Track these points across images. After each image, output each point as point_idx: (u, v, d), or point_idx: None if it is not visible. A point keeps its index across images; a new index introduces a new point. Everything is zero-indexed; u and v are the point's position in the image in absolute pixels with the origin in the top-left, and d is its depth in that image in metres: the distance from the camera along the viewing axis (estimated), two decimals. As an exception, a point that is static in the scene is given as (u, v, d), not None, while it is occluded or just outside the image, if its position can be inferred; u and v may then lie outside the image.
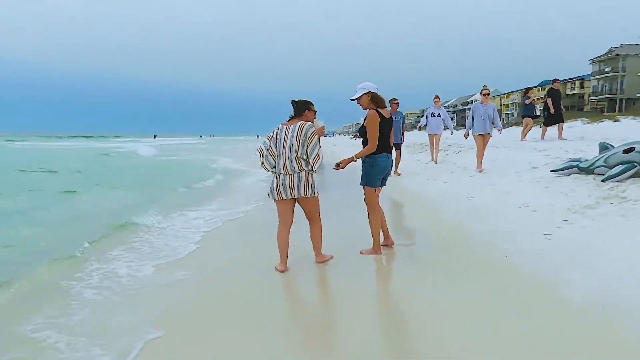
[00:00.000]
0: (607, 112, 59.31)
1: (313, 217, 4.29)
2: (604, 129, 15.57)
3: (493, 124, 9.19)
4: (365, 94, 4.29)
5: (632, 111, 54.35)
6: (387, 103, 4.62)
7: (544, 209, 5.60)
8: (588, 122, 48.74)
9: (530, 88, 13.83)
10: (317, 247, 4.41)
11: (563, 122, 12.92)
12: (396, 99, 10.42)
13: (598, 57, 65.19)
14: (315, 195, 4.19)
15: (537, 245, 4.42)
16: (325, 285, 4.13)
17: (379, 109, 4.30)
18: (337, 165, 4.36)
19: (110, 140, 78.87)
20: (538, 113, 13.27)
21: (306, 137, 4.06)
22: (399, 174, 10.57)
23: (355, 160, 4.36)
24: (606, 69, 62.68)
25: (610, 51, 63.10)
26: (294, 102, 4.24)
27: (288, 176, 4.07)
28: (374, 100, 4.31)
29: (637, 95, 57.53)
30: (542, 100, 13.06)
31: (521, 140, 13.15)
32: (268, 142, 4.19)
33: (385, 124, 4.34)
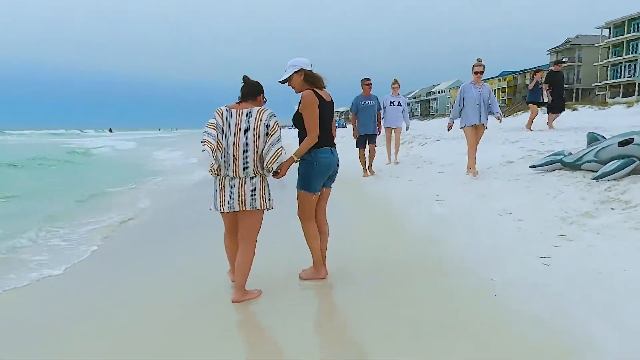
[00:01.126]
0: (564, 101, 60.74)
1: (249, 236, 3.21)
2: (565, 118, 14.80)
3: (489, 111, 6.88)
4: (296, 72, 3.30)
5: (588, 100, 56.03)
6: (325, 83, 3.45)
7: (530, 217, 4.49)
8: (548, 112, 49.15)
9: (539, 70, 11.81)
10: (242, 278, 3.21)
11: (564, 110, 11.53)
12: (369, 80, 8.55)
13: (555, 47, 66.57)
14: (269, 207, 3.23)
15: (534, 275, 3.25)
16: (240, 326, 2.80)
17: (316, 89, 3.31)
18: (276, 174, 3.20)
19: (69, 135, 74.16)
20: (545, 99, 11.50)
21: (268, 128, 3.06)
22: (374, 173, 8.88)
23: (297, 160, 3.31)
24: (563, 59, 64.01)
25: (566, 42, 64.55)
26: (247, 80, 3.22)
27: (238, 181, 3.08)
28: (308, 79, 3.32)
29: (593, 84, 59.13)
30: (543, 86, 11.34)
31: (527, 130, 11.28)
32: (214, 132, 3.06)
33: (326, 109, 3.34)
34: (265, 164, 3.03)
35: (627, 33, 53.68)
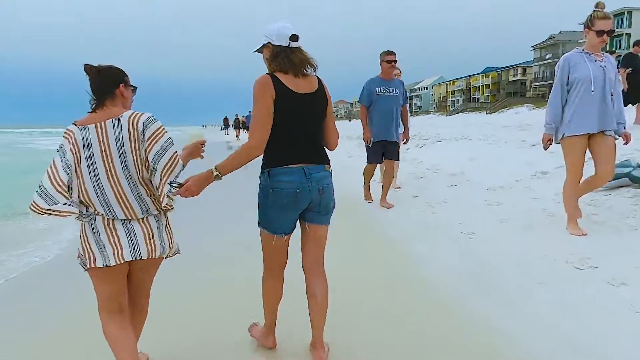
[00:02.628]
0: (547, 98, 60.26)
1: (143, 295, 2.12)
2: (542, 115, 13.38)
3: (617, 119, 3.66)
4: (264, 45, 2.16)
5: (572, 97, 55.53)
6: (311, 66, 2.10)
7: (620, 275, 2.83)
8: (534, 108, 48.86)
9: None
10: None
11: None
12: (392, 55, 5.27)
13: (539, 43, 66.18)
14: (178, 251, 2.13)
15: None
16: None
17: (279, 74, 2.07)
18: (179, 187, 1.92)
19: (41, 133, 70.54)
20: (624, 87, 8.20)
21: (145, 138, 1.86)
22: (390, 207, 5.45)
23: (220, 178, 1.99)
24: (547, 56, 63.64)
25: (550, 38, 64.18)
26: (91, 69, 1.92)
27: (138, 224, 1.91)
28: (276, 58, 2.10)
29: (577, 81, 58.71)
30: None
31: (635, 123, 8.34)
32: (57, 167, 1.81)
33: (298, 105, 2.06)
34: (157, 184, 1.88)
35: (611, 29, 53.32)
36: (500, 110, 54.32)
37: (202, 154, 2.18)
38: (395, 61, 5.30)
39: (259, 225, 2.13)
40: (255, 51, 2.18)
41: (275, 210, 2.04)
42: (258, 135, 1.95)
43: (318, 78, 2.13)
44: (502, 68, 78.38)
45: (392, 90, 5.34)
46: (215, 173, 1.94)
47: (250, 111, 17.91)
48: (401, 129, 5.68)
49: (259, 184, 2.08)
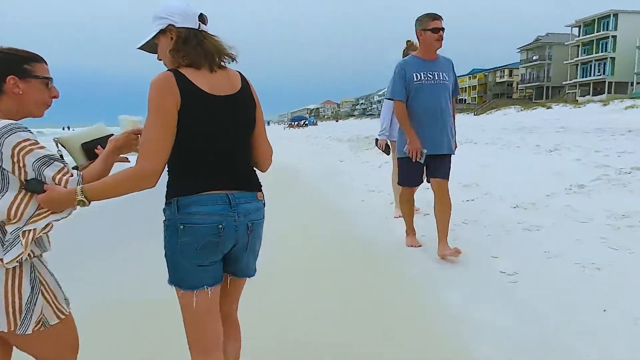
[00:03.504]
0: (535, 99, 60.38)
1: None
2: (539, 116, 12.62)
3: None
4: (162, 32, 1.50)
5: (559, 98, 55.71)
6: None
7: None
8: (522, 109, 48.67)
9: None
10: None
11: None
12: (439, 20, 3.45)
13: (526, 45, 66.23)
14: (35, 327, 1.39)
15: None
16: None
17: (186, 70, 1.46)
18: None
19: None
20: None
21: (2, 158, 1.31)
22: (455, 255, 3.36)
23: (87, 204, 1.38)
24: (534, 57, 63.73)
25: (537, 40, 64.28)
26: None
27: None
28: (183, 45, 1.47)
29: (563, 82, 58.88)
30: None
31: None
32: None
33: (214, 110, 1.48)
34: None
35: (597, 32, 53.49)
36: (488, 112, 54.15)
37: (137, 147, 1.55)
38: (443, 29, 3.42)
39: (170, 281, 1.51)
40: (142, 46, 1.55)
41: (190, 255, 1.45)
42: (154, 159, 1.39)
43: (240, 74, 1.58)
44: (489, 69, 78.44)
45: (439, 75, 3.45)
46: (80, 197, 1.37)
47: None
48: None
49: (164, 221, 1.49)
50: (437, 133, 3.46)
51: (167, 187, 1.49)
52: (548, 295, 2.70)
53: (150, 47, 1.55)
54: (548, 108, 46.17)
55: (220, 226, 1.43)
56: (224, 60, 1.52)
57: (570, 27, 58.40)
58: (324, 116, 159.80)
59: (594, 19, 54.17)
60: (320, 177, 8.20)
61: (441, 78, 3.47)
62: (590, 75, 54.62)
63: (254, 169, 1.63)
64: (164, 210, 1.49)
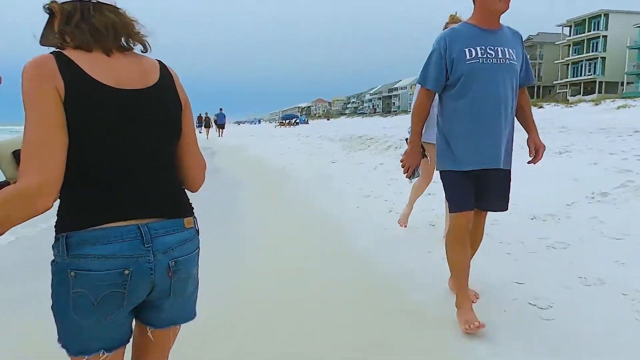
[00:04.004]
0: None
1: None
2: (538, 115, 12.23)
3: None
4: (50, 16, 1.13)
5: (550, 98, 55.73)
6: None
7: None
8: (514, 109, 48.30)
9: None
10: None
11: None
12: None
13: (517, 44, 66.24)
14: None
15: None
16: None
17: (74, 53, 1.06)
18: None
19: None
20: None
21: None
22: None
23: None
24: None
25: (528, 39, 64.31)
26: None
27: None
28: (67, 21, 1.08)
29: (554, 82, 58.99)
30: None
31: None
32: None
33: (116, 107, 1.06)
34: None
35: (588, 31, 53.59)
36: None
37: None
38: None
39: (60, 341, 1.11)
40: (42, 41, 1.16)
41: (84, 311, 1.05)
42: (42, 169, 0.98)
43: (161, 63, 1.20)
44: (480, 69, 78.46)
45: (504, 52, 2.28)
46: None
47: (221, 109, 15.97)
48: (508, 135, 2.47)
49: (52, 262, 1.09)
50: (495, 137, 2.29)
51: (57, 215, 1.08)
52: (595, 336, 2.16)
53: (51, 40, 1.14)
54: (540, 107, 45.93)
55: (127, 272, 1.05)
56: (130, 42, 1.15)
57: (561, 27, 58.50)
58: (315, 114, 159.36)
59: (585, 19, 54.28)
60: (310, 180, 7.59)
61: (506, 56, 2.28)
62: (581, 75, 54.74)
63: (181, 188, 1.25)
64: (53, 249, 1.08)
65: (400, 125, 19.33)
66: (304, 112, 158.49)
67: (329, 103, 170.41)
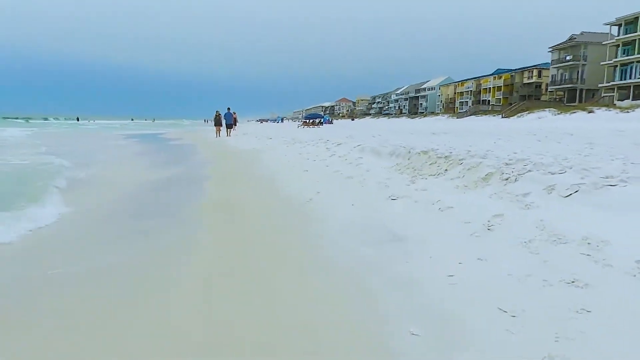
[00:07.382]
0: (566, 103, 56.00)
1: None
2: (581, 121, 9.06)
3: None
4: None
5: (594, 102, 51.26)
6: None
7: None
8: (558, 113, 44.56)
9: None
10: None
11: None
12: None
13: (558, 44, 61.98)
14: None
15: None
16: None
17: None
18: None
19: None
20: None
21: None
22: None
23: None
24: (567, 57, 59.43)
25: (571, 39, 59.94)
26: None
27: None
28: None
29: (599, 85, 54.54)
30: None
31: None
32: None
33: None
34: None
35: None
36: (518, 115, 50.01)
37: None
38: None
39: None
40: None
41: None
42: None
43: None
44: (515, 70, 74.14)
45: None
46: None
47: (229, 108, 12.37)
48: None
49: None
50: None
51: None
52: None
53: None
54: (590, 112, 41.92)
55: None
56: None
57: (609, 26, 53.88)
58: (339, 114, 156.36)
59: (637, 17, 49.66)
60: (356, 237, 4.27)
61: None
62: (630, 78, 50.18)
63: None
64: None
65: (449, 131, 15.64)
66: (327, 112, 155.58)
67: (353, 103, 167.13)
